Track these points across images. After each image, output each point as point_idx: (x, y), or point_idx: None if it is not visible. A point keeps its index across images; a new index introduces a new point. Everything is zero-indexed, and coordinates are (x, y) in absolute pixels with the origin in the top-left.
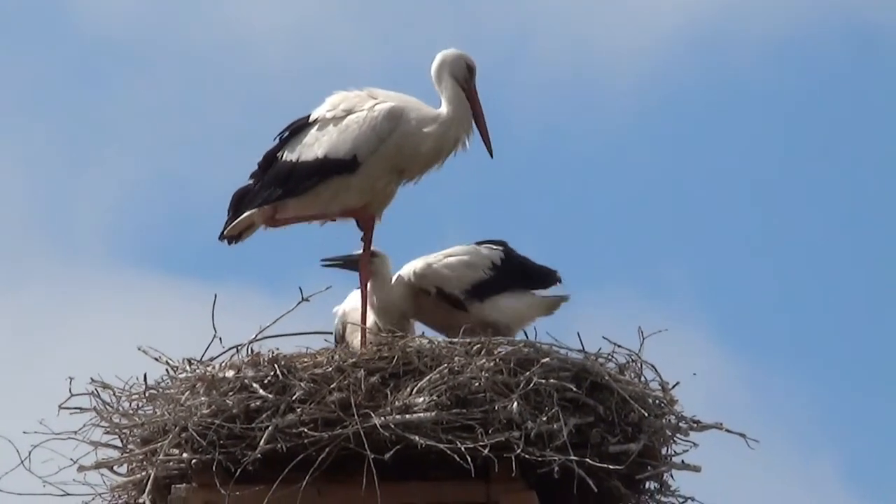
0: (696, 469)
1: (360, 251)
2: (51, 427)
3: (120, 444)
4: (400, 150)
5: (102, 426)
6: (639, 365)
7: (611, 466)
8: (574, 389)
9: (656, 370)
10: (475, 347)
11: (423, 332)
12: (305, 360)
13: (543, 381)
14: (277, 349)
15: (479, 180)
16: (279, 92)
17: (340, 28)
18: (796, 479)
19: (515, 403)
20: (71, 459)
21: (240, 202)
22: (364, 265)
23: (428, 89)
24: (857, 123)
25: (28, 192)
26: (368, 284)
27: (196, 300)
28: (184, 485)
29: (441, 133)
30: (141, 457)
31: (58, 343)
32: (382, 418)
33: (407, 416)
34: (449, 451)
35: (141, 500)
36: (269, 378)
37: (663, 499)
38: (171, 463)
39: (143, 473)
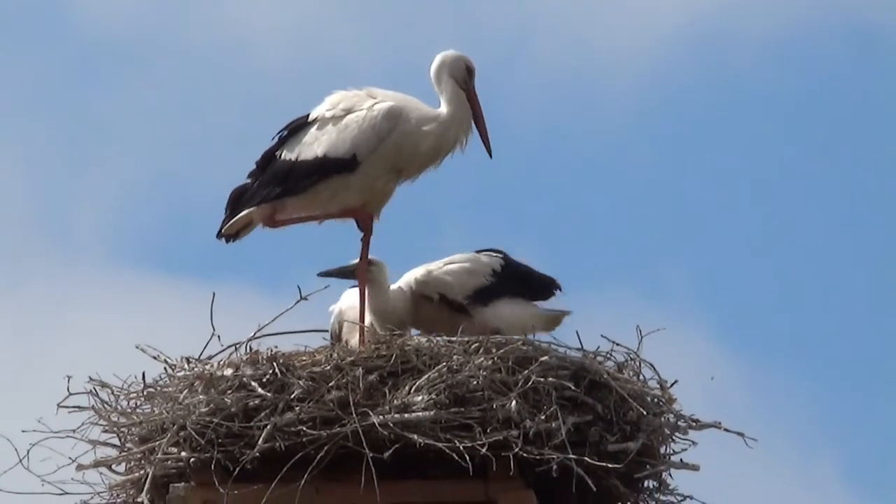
0: (695, 468)
1: (357, 260)
2: (49, 426)
3: (118, 443)
4: (399, 150)
5: (101, 425)
6: (637, 363)
7: (609, 465)
8: (573, 388)
9: (655, 369)
10: (473, 346)
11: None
12: (304, 358)
13: (542, 379)
14: (276, 347)
15: (478, 180)
16: (279, 92)
17: (340, 28)
18: (796, 478)
19: (514, 402)
20: (69, 458)
21: (237, 200)
22: (362, 273)
23: (427, 90)
24: (857, 123)
25: (28, 192)
26: (366, 292)
27: (194, 299)
28: (182, 483)
29: (440, 133)
30: (139, 455)
31: (57, 342)
32: (381, 417)
33: (405, 414)
34: (447, 450)
35: (139, 499)
36: (267, 376)
37: (662, 497)
38: (170, 462)
39: (142, 472)
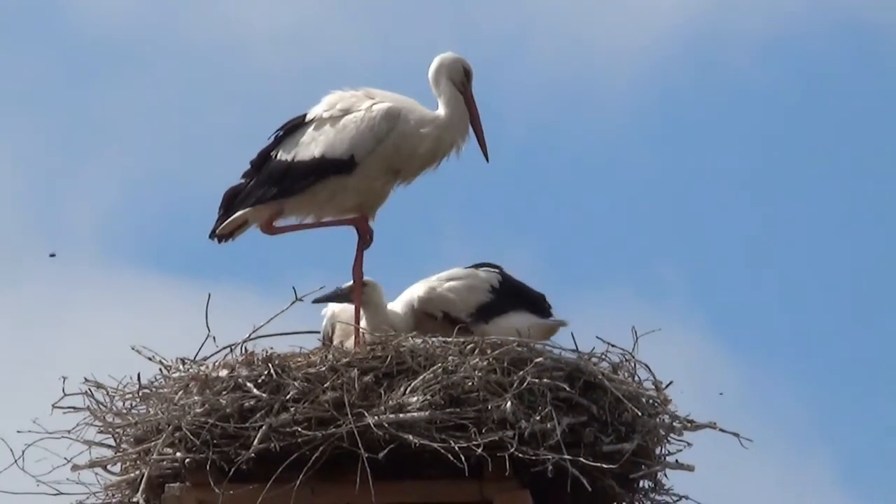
0: (690, 468)
1: (349, 283)
2: (44, 426)
3: (113, 444)
4: (397, 151)
5: (96, 425)
6: (632, 364)
7: (604, 465)
8: (567, 389)
9: (650, 370)
10: (469, 347)
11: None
12: (299, 359)
13: (537, 380)
14: (271, 348)
15: (475, 181)
16: (278, 92)
17: (340, 28)
18: (791, 479)
19: (509, 403)
20: (65, 458)
21: (231, 201)
22: (357, 293)
23: (425, 90)
24: (855, 122)
25: (24, 192)
26: (363, 313)
27: (190, 300)
28: (177, 484)
29: (438, 135)
30: (135, 456)
31: (52, 342)
32: (376, 417)
33: (401, 415)
34: (442, 451)
35: (135, 500)
36: (262, 377)
37: (657, 498)
38: (165, 462)
39: (137, 472)
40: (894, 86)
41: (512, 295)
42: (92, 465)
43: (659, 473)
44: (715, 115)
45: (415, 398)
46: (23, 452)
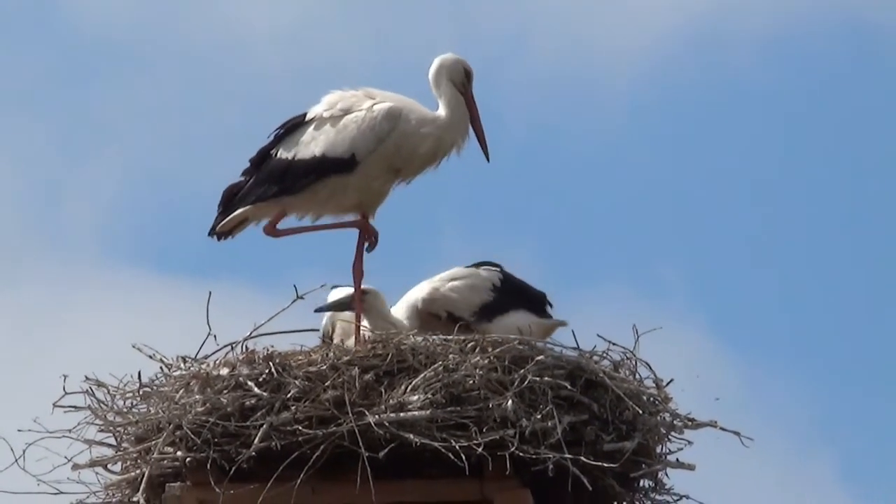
0: (691, 467)
1: (350, 291)
2: (45, 425)
3: (114, 443)
4: (398, 150)
5: (97, 424)
6: (633, 363)
7: (605, 464)
8: (568, 387)
9: (651, 368)
10: (469, 345)
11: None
12: (300, 357)
13: (538, 378)
14: (272, 347)
15: (475, 180)
16: (278, 92)
17: (340, 28)
18: (792, 478)
19: (510, 401)
20: (65, 458)
21: (231, 198)
22: (357, 293)
23: (424, 90)
24: (856, 122)
25: (25, 192)
26: (364, 320)
27: (191, 298)
28: (178, 483)
29: (439, 136)
30: (135, 455)
31: (53, 341)
32: (377, 416)
33: (401, 413)
34: (443, 449)
35: (135, 499)
36: (263, 376)
37: (658, 497)
38: (166, 461)
39: (138, 472)
40: (894, 86)
41: (513, 293)
42: (92, 464)
43: (660, 472)
44: (715, 115)
45: (415, 397)
46: (23, 452)
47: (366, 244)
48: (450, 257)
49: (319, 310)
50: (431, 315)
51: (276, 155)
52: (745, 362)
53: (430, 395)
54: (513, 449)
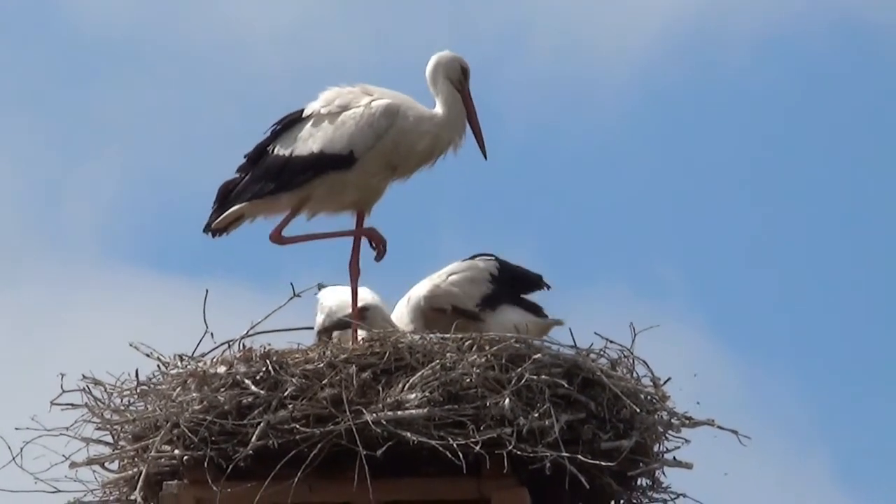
0: (688, 466)
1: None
2: (43, 423)
3: (112, 441)
4: (396, 147)
5: (94, 422)
6: (631, 361)
7: (602, 463)
8: (566, 386)
9: (648, 366)
10: (467, 343)
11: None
12: (297, 355)
13: (535, 377)
14: (269, 345)
15: (474, 177)
16: (278, 92)
17: (339, 28)
18: (789, 476)
19: (507, 400)
20: (63, 456)
21: (226, 195)
22: (354, 267)
23: (422, 89)
24: (854, 122)
25: (24, 191)
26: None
27: (187, 296)
28: (175, 481)
29: (436, 134)
30: (132, 453)
31: (51, 340)
32: (374, 414)
33: (399, 412)
34: (441, 448)
35: (132, 497)
36: (260, 374)
37: (655, 495)
38: (163, 459)
39: (135, 470)
40: (893, 86)
41: (512, 279)
42: (90, 462)
43: (657, 471)
44: (713, 114)
45: (413, 395)
46: (21, 450)
47: (374, 253)
48: (448, 256)
49: (322, 332)
50: (436, 310)
51: (273, 151)
52: (743, 361)
53: (427, 394)
54: (510, 447)
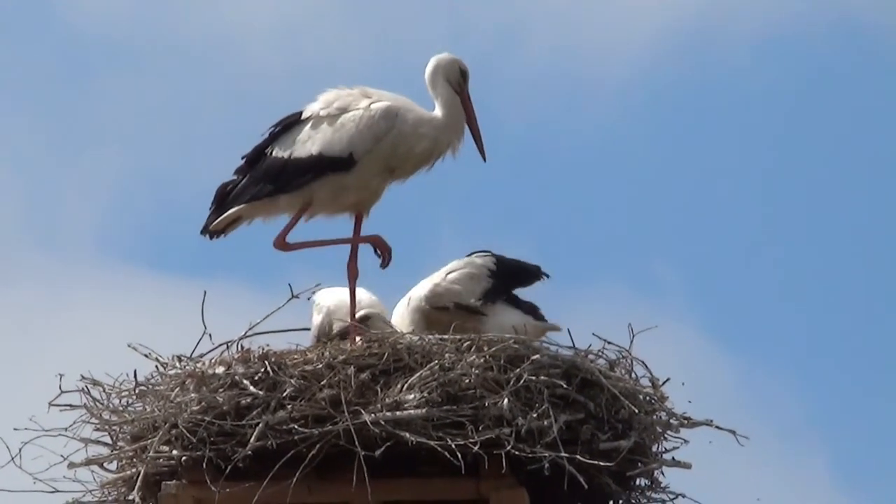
0: (687, 466)
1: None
2: (41, 424)
3: (110, 441)
4: (395, 150)
5: (92, 423)
6: (629, 361)
7: (601, 463)
8: (564, 386)
9: (647, 367)
10: (465, 344)
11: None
12: (296, 356)
13: (534, 377)
14: (268, 346)
15: (472, 177)
16: (277, 92)
17: (337, 28)
18: (787, 476)
19: (506, 400)
20: (61, 456)
21: (224, 196)
22: (352, 266)
23: (420, 90)
24: (853, 122)
25: (21, 191)
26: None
27: (186, 297)
28: (174, 482)
29: (435, 136)
30: (131, 454)
31: (49, 340)
32: (373, 415)
33: (397, 412)
34: (439, 448)
35: (131, 497)
36: (259, 375)
37: (654, 495)
38: (161, 460)
39: (133, 470)
40: (893, 86)
41: (511, 273)
42: (88, 462)
43: (655, 471)
44: (712, 114)
45: (411, 396)
46: (19, 450)
47: (380, 261)
48: (448, 256)
49: (322, 340)
50: (438, 309)
51: (271, 153)
52: (741, 361)
53: (426, 394)
54: (509, 448)
